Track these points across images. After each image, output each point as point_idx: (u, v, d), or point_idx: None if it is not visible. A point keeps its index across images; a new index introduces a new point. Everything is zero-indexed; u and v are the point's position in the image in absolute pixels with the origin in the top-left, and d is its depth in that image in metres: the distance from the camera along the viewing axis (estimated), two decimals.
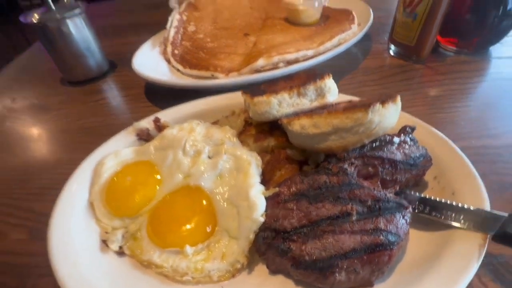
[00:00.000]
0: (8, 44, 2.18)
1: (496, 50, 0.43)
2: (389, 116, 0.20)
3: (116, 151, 0.28)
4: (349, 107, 0.20)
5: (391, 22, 0.55)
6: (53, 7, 0.43)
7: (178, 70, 0.44)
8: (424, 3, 0.37)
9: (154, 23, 0.67)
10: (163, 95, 0.42)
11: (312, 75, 0.26)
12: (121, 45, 0.60)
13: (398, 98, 0.20)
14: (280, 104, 0.24)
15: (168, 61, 0.45)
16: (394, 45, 0.44)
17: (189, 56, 0.44)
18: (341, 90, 0.33)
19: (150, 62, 0.44)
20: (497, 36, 0.41)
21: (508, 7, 0.38)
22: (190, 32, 0.48)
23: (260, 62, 0.38)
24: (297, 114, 0.23)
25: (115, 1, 0.83)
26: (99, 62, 0.49)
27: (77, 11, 0.43)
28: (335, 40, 0.40)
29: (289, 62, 0.38)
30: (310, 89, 0.24)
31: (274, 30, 0.47)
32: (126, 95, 0.45)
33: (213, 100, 0.33)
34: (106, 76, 0.50)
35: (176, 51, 0.45)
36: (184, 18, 0.50)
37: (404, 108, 0.35)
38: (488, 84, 0.38)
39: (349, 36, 0.41)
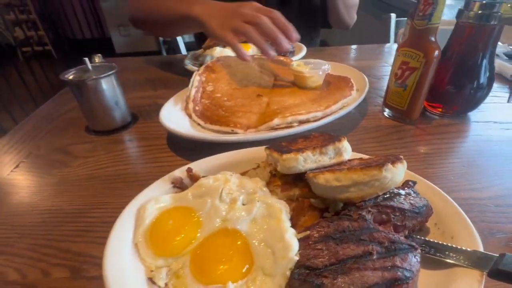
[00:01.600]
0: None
1: (474, 115, 0.51)
2: (398, 173, 0.25)
3: (156, 198, 0.32)
4: (366, 165, 0.25)
5: (382, 87, 0.64)
6: (90, 67, 0.50)
7: (198, 124, 0.50)
8: (413, 77, 0.45)
9: (168, 79, 0.76)
10: (184, 147, 0.47)
11: (329, 136, 0.32)
12: (140, 99, 0.66)
13: (404, 161, 0.26)
14: (305, 161, 0.29)
15: (190, 116, 0.51)
16: (388, 109, 0.52)
17: (209, 112, 0.51)
18: None
19: (174, 116, 0.50)
20: (473, 105, 0.50)
21: (481, 81, 0.47)
22: (209, 91, 0.55)
23: (276, 121, 0.44)
24: (320, 170, 0.28)
25: (129, 58, 0.91)
26: (124, 114, 0.54)
27: (111, 71, 0.50)
28: (339, 104, 0.47)
29: (301, 122, 0.45)
30: (330, 149, 0.29)
31: (283, 92, 0.54)
32: (149, 145, 0.50)
33: (238, 154, 0.38)
34: (129, 127, 0.55)
35: (197, 108, 0.52)
36: (203, 79, 0.57)
37: None
38: (469, 144, 0.46)
39: (350, 101, 0.49)
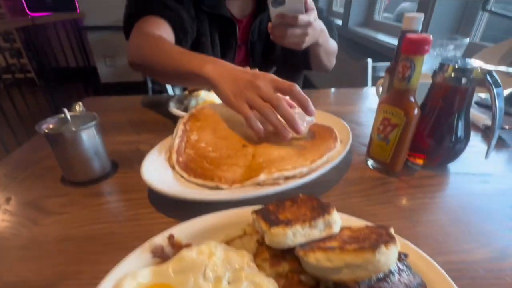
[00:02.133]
0: None
1: (454, 166, 0.52)
2: (392, 256, 0.24)
3: (133, 273, 0.29)
4: (359, 247, 0.24)
5: (363, 134, 0.65)
6: (69, 118, 0.47)
7: (182, 176, 0.47)
8: (395, 132, 0.46)
9: (152, 122, 0.74)
10: (167, 202, 0.44)
11: (317, 203, 0.31)
12: (122, 144, 0.63)
13: (398, 242, 0.25)
14: (295, 235, 0.27)
15: (173, 168, 0.49)
16: (372, 159, 0.52)
17: (193, 164, 0.48)
18: (336, 207, 0.38)
19: (156, 168, 0.48)
20: (453, 157, 0.50)
21: (459, 135, 0.48)
22: (193, 141, 0.54)
23: (262, 177, 0.43)
24: (310, 245, 0.26)
25: (112, 98, 0.89)
26: (103, 163, 0.51)
27: (92, 123, 0.47)
28: (324, 158, 0.46)
29: (286, 178, 0.43)
30: (320, 222, 0.28)
31: (268, 143, 0.53)
32: (130, 199, 0.47)
33: (223, 216, 0.36)
34: (108, 177, 0.52)
35: (180, 159, 0.50)
36: (188, 127, 0.55)
37: (387, 221, 0.40)
38: (453, 199, 0.45)
39: (335, 154, 0.48)
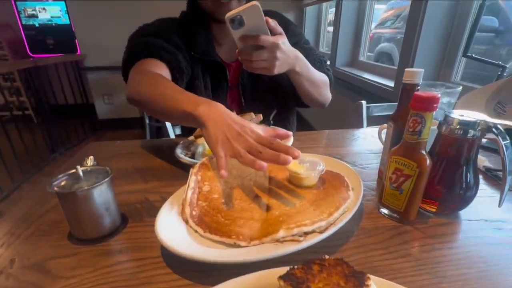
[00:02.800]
0: None
1: (466, 212, 0.51)
2: None
3: None
4: None
5: (369, 177, 0.64)
6: (81, 175, 0.45)
7: (196, 231, 0.45)
8: (408, 182, 0.45)
9: (158, 168, 0.71)
10: (182, 261, 0.41)
11: (348, 271, 0.29)
12: (130, 194, 0.60)
13: None
14: None
15: (186, 222, 0.46)
16: (385, 208, 0.50)
17: (207, 218, 0.46)
18: (357, 262, 0.36)
19: (170, 225, 0.45)
20: (464, 203, 0.50)
21: (469, 182, 0.47)
22: (205, 192, 0.52)
23: (281, 233, 0.41)
24: None
25: (116, 143, 0.87)
26: (114, 219, 0.48)
27: (105, 178, 0.45)
28: (340, 210, 0.45)
29: (306, 233, 0.41)
30: None
31: (281, 192, 0.52)
32: (143, 258, 0.43)
33: (246, 282, 0.34)
34: (118, 232, 0.48)
35: (194, 212, 0.47)
36: (199, 178, 0.54)
37: (410, 277, 0.38)
38: (471, 249, 0.44)
39: (350, 205, 0.47)
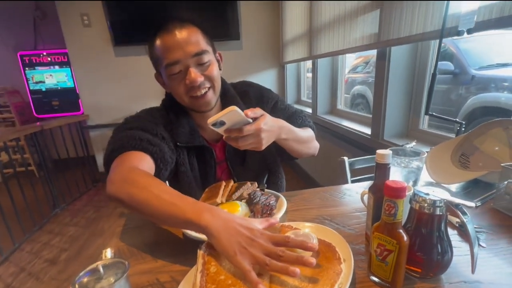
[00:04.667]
0: None
1: (446, 276, 0.54)
2: None
3: None
4: None
5: (357, 241, 0.67)
6: (102, 271, 0.47)
7: None
8: (391, 256, 0.49)
9: (165, 243, 0.73)
10: None
11: None
12: (141, 275, 0.61)
13: None
14: None
15: None
16: (374, 276, 0.53)
17: None
18: None
19: None
20: (444, 267, 0.53)
21: (444, 248, 0.51)
22: (212, 273, 0.53)
23: None
24: None
25: (124, 218, 0.88)
26: None
27: (124, 275, 0.47)
28: (335, 287, 0.47)
29: None
30: None
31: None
32: None
33: None
34: None
35: None
36: (206, 259, 0.56)
37: None
38: None
39: (343, 279, 0.50)
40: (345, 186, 1.01)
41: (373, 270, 0.53)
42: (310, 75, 3.40)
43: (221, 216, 0.53)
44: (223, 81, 0.90)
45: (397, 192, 0.46)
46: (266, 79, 3.62)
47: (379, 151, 0.61)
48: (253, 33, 3.45)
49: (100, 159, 3.75)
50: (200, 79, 0.75)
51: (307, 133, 0.94)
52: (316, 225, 0.67)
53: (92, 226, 2.65)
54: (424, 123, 1.58)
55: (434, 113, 1.14)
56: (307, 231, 0.60)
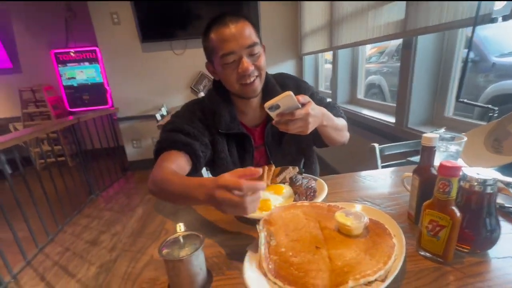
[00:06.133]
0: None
1: (494, 251, 0.55)
2: None
3: None
4: None
5: (401, 217, 0.69)
6: (182, 242, 0.52)
7: (275, 283, 0.50)
8: (444, 231, 0.51)
9: (217, 220, 0.77)
10: None
11: None
12: (206, 248, 0.66)
13: None
14: None
15: (265, 275, 0.52)
16: (424, 251, 0.55)
17: (283, 272, 0.51)
18: None
19: (254, 279, 0.51)
20: (491, 244, 0.54)
21: (492, 225, 0.52)
22: (274, 246, 0.57)
23: (350, 284, 0.46)
24: None
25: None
26: (204, 277, 0.53)
27: (202, 245, 0.51)
28: (392, 258, 0.50)
29: (369, 282, 0.46)
30: None
31: (336, 242, 0.57)
32: None
33: None
34: (209, 287, 0.54)
35: (270, 266, 0.53)
36: (265, 233, 0.60)
37: None
38: (508, 286, 0.48)
39: (398, 251, 0.52)
40: (378, 171, 1.02)
41: (423, 245, 0.56)
42: (328, 66, 3.36)
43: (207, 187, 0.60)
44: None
45: (453, 171, 0.48)
46: (284, 70, 3.55)
47: (426, 135, 0.62)
48: (272, 26, 3.42)
49: (129, 150, 3.88)
50: (251, 68, 0.80)
51: (342, 122, 0.98)
52: (363, 206, 0.69)
53: (139, 209, 2.79)
54: (450, 110, 1.54)
55: (465, 100, 1.12)
56: (358, 209, 0.63)
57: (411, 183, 0.67)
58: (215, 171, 1.02)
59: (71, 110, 4.28)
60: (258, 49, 0.81)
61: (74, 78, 4.19)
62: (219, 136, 0.94)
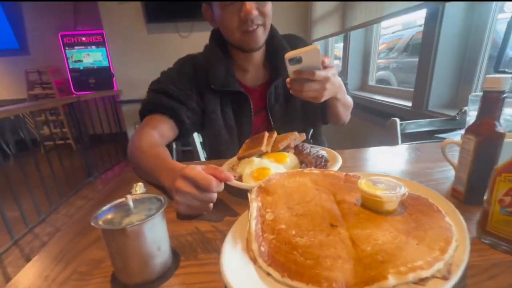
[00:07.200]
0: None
1: None
2: None
3: None
4: None
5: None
6: (132, 205, 0.34)
7: (268, 274, 0.32)
8: None
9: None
10: None
11: None
12: (178, 223, 0.48)
13: None
14: None
15: (255, 262, 0.33)
16: (491, 237, 0.36)
17: (281, 257, 0.33)
18: None
19: (236, 265, 0.32)
20: None
21: None
22: (269, 221, 0.39)
23: (392, 280, 0.27)
24: None
25: None
26: (165, 259, 0.36)
27: (159, 209, 0.33)
28: (453, 245, 0.31)
29: (422, 279, 0.28)
30: None
31: (360, 220, 0.39)
32: None
33: None
34: (170, 275, 0.36)
35: (262, 248, 0.34)
36: (260, 204, 0.41)
37: None
38: None
39: (460, 234, 0.33)
40: (401, 146, 0.82)
41: (491, 228, 0.36)
42: (338, 52, 3.13)
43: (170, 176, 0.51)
44: (270, 25, 0.79)
45: None
46: None
47: (489, 76, 0.42)
48: (281, 12, 3.20)
49: (131, 133, 3.73)
50: (255, 12, 0.68)
51: (350, 100, 0.84)
52: (394, 177, 0.50)
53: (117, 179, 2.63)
54: (477, 90, 1.33)
55: (506, 70, 0.91)
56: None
57: (461, 149, 0.48)
58: (205, 138, 0.89)
59: (76, 93, 4.14)
60: None
61: (81, 61, 4.03)
62: (212, 94, 0.79)
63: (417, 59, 1.49)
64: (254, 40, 0.72)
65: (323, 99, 0.64)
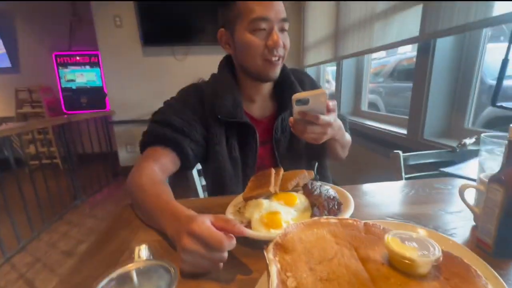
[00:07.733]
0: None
1: None
2: None
3: None
4: None
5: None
6: (136, 281, 0.28)
7: None
8: None
9: None
10: None
11: None
12: (183, 284, 0.42)
13: None
14: None
15: None
16: None
17: None
18: None
19: None
20: None
21: None
22: None
23: None
24: None
25: None
26: None
27: (167, 281, 0.28)
28: None
29: None
30: None
31: (391, 285, 0.34)
32: None
33: None
34: None
35: None
36: (279, 266, 0.36)
37: None
38: None
39: None
40: (405, 182, 0.79)
41: None
42: (329, 77, 3.21)
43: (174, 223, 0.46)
44: None
45: None
46: None
47: None
48: None
49: (122, 154, 3.62)
50: (282, 43, 0.69)
51: (348, 138, 0.83)
52: (413, 226, 0.46)
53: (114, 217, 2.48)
54: (469, 121, 1.35)
55: (503, 104, 0.92)
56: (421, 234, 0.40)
57: (487, 198, 0.45)
58: (208, 169, 0.83)
59: (67, 112, 4.03)
60: (287, 27, 0.70)
61: (73, 80, 3.96)
62: (217, 125, 0.76)
63: (402, 84, 1.53)
64: (274, 70, 0.72)
65: (321, 141, 0.65)
